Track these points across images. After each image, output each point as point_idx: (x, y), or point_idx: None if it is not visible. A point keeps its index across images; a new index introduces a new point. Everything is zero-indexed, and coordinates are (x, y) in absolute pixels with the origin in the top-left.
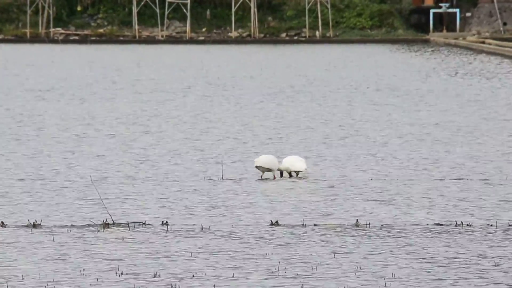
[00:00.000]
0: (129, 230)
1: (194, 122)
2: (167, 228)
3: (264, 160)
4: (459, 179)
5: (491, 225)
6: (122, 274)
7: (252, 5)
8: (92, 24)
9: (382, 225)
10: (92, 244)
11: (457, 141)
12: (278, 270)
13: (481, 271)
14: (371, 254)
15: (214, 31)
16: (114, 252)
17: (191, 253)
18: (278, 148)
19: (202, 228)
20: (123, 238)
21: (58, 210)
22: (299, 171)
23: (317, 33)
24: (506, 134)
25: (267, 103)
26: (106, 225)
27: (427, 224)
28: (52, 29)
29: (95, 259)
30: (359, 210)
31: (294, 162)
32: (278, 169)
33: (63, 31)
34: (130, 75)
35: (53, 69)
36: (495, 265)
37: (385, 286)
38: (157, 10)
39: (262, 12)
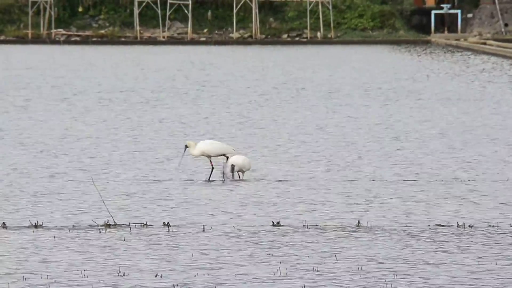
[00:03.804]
0: (130, 231)
1: (198, 124)
2: (169, 229)
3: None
4: (461, 179)
5: (493, 226)
6: (123, 275)
7: (253, 6)
8: (94, 25)
9: (383, 226)
10: (94, 244)
11: (459, 142)
12: (280, 271)
13: (482, 271)
14: (373, 255)
15: (216, 32)
16: (115, 252)
17: (192, 254)
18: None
19: (203, 229)
20: (124, 238)
21: (59, 211)
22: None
23: (318, 34)
24: (508, 134)
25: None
26: (107, 225)
27: (429, 225)
28: (53, 30)
29: (97, 259)
30: (361, 211)
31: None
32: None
33: (64, 32)
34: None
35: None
36: (496, 266)
37: (386, 287)
38: (159, 11)
39: (264, 13)
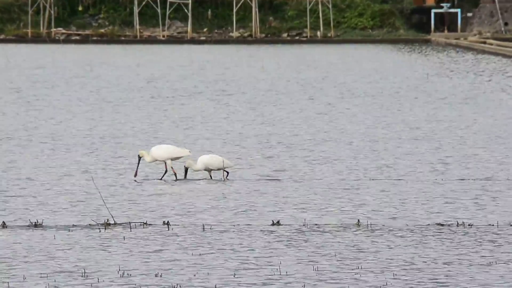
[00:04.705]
0: (130, 230)
1: (203, 123)
2: (168, 228)
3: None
4: (461, 179)
5: (493, 225)
6: (123, 274)
7: (253, 5)
8: (94, 24)
9: (383, 225)
10: (94, 244)
11: (459, 141)
12: (279, 270)
13: (482, 271)
14: (373, 254)
15: (215, 31)
16: (115, 252)
17: (192, 253)
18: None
19: (203, 228)
20: (124, 237)
21: (59, 210)
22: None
23: (318, 33)
24: (509, 134)
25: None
26: (107, 225)
27: (428, 224)
28: (53, 29)
29: (97, 259)
30: (360, 210)
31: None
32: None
33: (64, 31)
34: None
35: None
36: (496, 265)
37: (386, 286)
38: (159, 10)
39: (264, 12)
